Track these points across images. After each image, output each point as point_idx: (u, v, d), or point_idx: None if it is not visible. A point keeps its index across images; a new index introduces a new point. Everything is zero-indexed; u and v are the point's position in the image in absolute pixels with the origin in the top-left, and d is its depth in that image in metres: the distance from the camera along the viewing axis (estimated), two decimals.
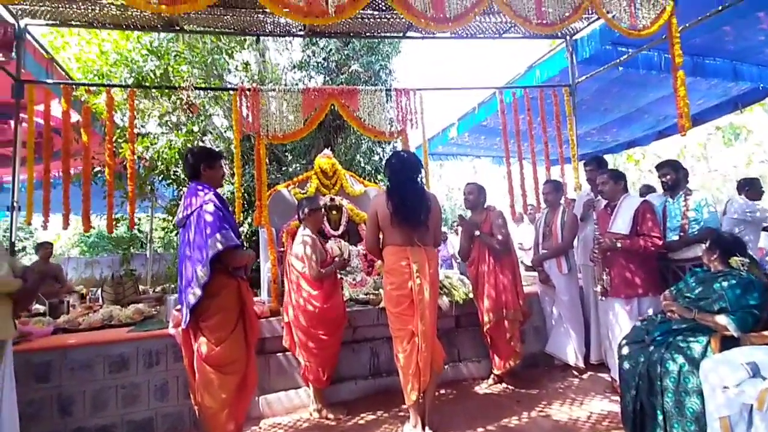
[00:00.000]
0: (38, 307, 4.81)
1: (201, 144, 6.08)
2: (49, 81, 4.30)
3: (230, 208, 2.86)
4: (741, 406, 2.11)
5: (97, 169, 5.40)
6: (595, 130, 7.05)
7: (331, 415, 3.31)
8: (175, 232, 7.58)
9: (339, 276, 4.29)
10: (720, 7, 3.61)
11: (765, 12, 4.00)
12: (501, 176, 6.10)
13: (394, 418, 3.25)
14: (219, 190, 2.85)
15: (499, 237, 3.66)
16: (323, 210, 3.50)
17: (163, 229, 8.33)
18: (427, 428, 2.94)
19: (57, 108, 4.21)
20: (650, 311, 3.15)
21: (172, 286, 6.04)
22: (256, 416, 3.41)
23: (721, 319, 2.52)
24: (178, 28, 4.43)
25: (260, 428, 3.27)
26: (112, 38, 6.25)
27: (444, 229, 9.64)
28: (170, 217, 6.95)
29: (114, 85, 5.00)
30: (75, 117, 4.44)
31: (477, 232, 3.76)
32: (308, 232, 3.38)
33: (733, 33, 4.43)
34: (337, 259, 3.47)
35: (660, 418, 2.51)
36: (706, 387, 2.30)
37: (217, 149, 4.19)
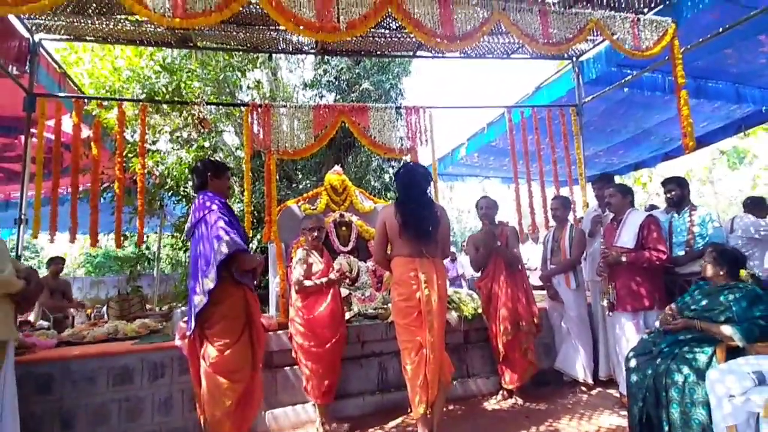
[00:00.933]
0: (42, 323, 4.83)
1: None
2: (61, 94, 4.36)
3: (238, 218, 2.87)
4: (748, 414, 2.12)
5: (106, 184, 5.45)
6: (602, 152, 7.13)
7: (334, 430, 3.26)
8: (184, 249, 7.62)
9: (345, 291, 4.33)
10: (721, 29, 3.72)
11: (766, 35, 4.09)
12: (509, 197, 6.15)
13: None
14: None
15: (516, 251, 3.70)
16: (317, 231, 3.53)
17: (172, 246, 8.37)
18: None
19: (68, 123, 4.27)
20: (656, 324, 3.14)
21: (180, 305, 6.04)
22: (263, 430, 3.38)
23: (727, 329, 2.53)
24: (191, 44, 4.54)
25: None
26: (126, 55, 6.42)
27: (453, 249, 9.65)
28: (179, 234, 6.99)
29: (126, 100, 5.08)
30: (86, 132, 4.49)
31: (498, 243, 3.79)
32: (302, 249, 3.50)
33: (735, 56, 4.54)
34: (332, 275, 3.46)
35: (666, 429, 2.51)
36: (712, 397, 2.31)
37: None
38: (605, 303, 3.46)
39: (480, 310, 3.98)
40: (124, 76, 6.23)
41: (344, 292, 4.35)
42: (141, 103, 4.59)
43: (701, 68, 4.73)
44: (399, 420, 3.41)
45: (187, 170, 6.00)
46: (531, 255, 6.13)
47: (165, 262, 11.52)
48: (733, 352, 2.48)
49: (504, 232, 3.83)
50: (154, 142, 6.19)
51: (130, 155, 5.47)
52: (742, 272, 2.79)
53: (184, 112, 5.80)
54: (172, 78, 5.80)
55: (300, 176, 7.48)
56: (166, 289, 9.42)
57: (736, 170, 12.65)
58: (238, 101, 6.75)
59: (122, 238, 4.25)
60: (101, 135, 4.36)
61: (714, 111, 5.78)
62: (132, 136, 5.99)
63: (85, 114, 4.34)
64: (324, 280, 3.39)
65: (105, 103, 5.28)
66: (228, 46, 4.81)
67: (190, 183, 6.14)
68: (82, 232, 4.37)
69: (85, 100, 4.53)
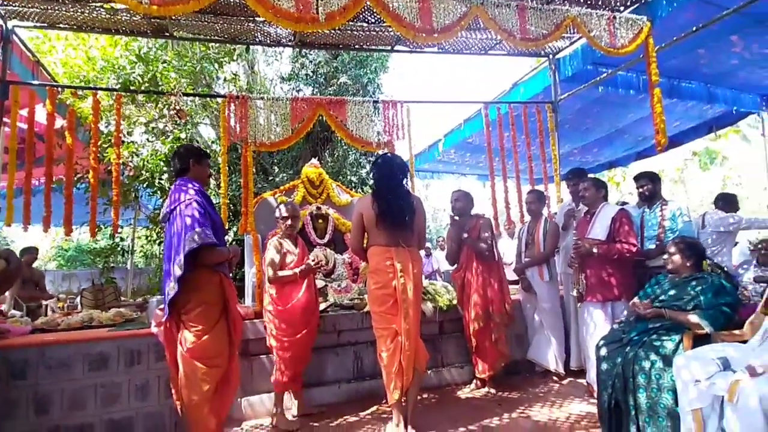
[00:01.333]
0: (15, 312, 4.70)
1: None
2: (35, 82, 4.25)
3: (215, 207, 2.86)
4: (712, 398, 2.17)
5: (80, 175, 5.34)
6: (577, 150, 7.25)
7: (282, 425, 3.23)
8: (159, 242, 7.49)
9: (321, 282, 4.32)
10: (695, 28, 3.80)
11: (738, 35, 4.20)
12: (485, 195, 6.22)
13: (376, 420, 3.25)
14: None
15: (489, 243, 3.74)
16: (291, 220, 3.47)
17: (147, 238, 8.20)
18: (409, 428, 2.94)
19: (41, 112, 4.16)
20: (624, 315, 3.23)
21: (156, 295, 5.92)
22: (238, 418, 3.38)
23: (694, 317, 2.62)
24: (167, 34, 4.44)
25: (242, 429, 3.26)
26: (100, 44, 6.27)
27: (428, 245, 9.72)
28: (153, 227, 6.86)
29: (101, 89, 4.98)
30: (60, 122, 4.37)
31: (465, 235, 3.83)
32: (276, 239, 3.45)
33: (708, 56, 4.65)
34: (308, 263, 3.41)
35: (633, 413, 2.58)
36: (679, 382, 2.37)
37: None
38: (575, 293, 3.54)
39: (455, 302, 4.02)
40: (99, 66, 6.09)
41: (320, 283, 4.35)
42: (116, 92, 4.51)
43: (675, 68, 4.84)
44: (374, 407, 3.44)
45: (162, 162, 5.89)
46: (506, 250, 6.20)
47: (139, 255, 11.29)
48: (699, 340, 2.56)
49: (477, 224, 3.87)
50: (129, 133, 6.04)
51: (104, 146, 5.35)
52: (705, 263, 2.91)
53: (160, 103, 5.69)
54: (147, 68, 5.69)
55: (276, 170, 7.43)
56: (140, 282, 9.24)
57: (707, 171, 13.10)
58: (215, 93, 6.67)
59: (96, 229, 4.17)
60: (75, 125, 4.26)
61: (686, 111, 5.92)
62: (107, 127, 5.86)
63: (58, 103, 4.24)
64: (299, 269, 3.35)
65: (79, 92, 5.16)
66: (205, 37, 4.73)
67: (166, 175, 6.04)
68: (56, 224, 4.25)
69: (59, 89, 4.41)
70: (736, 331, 2.54)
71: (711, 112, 6.08)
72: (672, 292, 2.87)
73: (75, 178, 4.60)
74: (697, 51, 4.54)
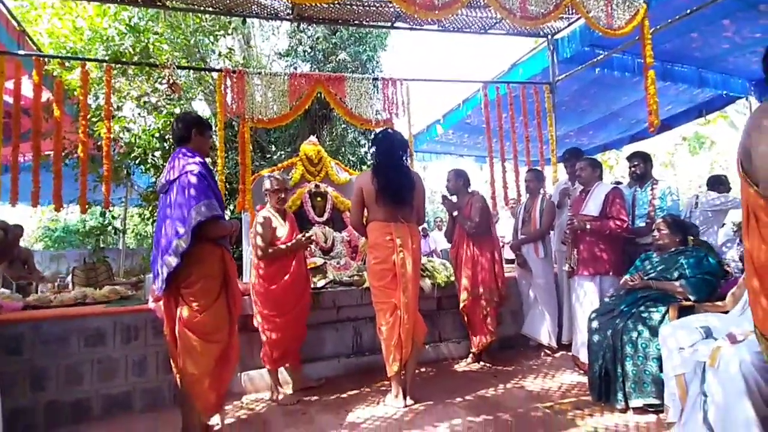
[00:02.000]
0: (4, 291, 4.63)
1: None
2: (21, 52, 4.08)
3: (216, 180, 2.78)
4: (695, 364, 2.31)
5: (68, 150, 5.10)
6: (573, 132, 7.33)
7: (280, 397, 3.25)
8: (152, 221, 7.41)
9: (320, 260, 4.36)
10: (689, 11, 3.86)
11: (730, 19, 4.26)
12: (483, 177, 6.26)
13: (376, 392, 3.33)
14: None
15: (476, 220, 3.79)
16: (283, 193, 3.35)
17: (139, 216, 8.05)
18: (408, 398, 3.03)
19: (27, 85, 4.01)
20: (612, 289, 3.38)
21: (150, 275, 5.81)
22: (238, 392, 3.41)
23: (677, 284, 2.81)
24: (159, 3, 4.24)
25: (242, 403, 3.27)
26: (87, 14, 6.04)
27: (425, 226, 9.79)
28: (147, 204, 6.76)
29: (90, 60, 4.77)
30: (46, 95, 4.25)
31: (455, 213, 3.90)
32: (264, 213, 3.31)
33: (700, 39, 4.71)
34: (296, 239, 3.29)
35: (620, 381, 2.73)
36: (664, 350, 2.52)
37: None
38: (566, 268, 3.64)
39: (453, 279, 4.11)
40: (86, 36, 5.87)
41: (320, 260, 4.39)
42: (106, 64, 4.38)
43: (668, 51, 4.90)
44: (373, 381, 3.51)
45: (155, 138, 5.78)
46: (505, 229, 6.27)
47: (131, 235, 11.15)
48: (684, 311, 2.70)
49: (470, 202, 3.92)
50: (119, 108, 5.85)
51: (94, 120, 5.19)
52: (690, 239, 3.09)
53: (152, 76, 5.53)
54: (138, 40, 5.49)
55: (274, 148, 7.38)
56: (133, 263, 9.12)
57: (696, 155, 13.38)
58: (211, 67, 6.53)
59: (87, 206, 4.10)
60: (63, 97, 4.14)
61: (678, 95, 6.00)
62: (95, 101, 5.69)
63: (45, 75, 4.09)
64: (290, 244, 3.27)
65: (67, 63, 4.99)
66: (199, 8, 4.57)
67: (159, 152, 5.93)
68: (45, 201, 4.15)
69: (46, 60, 4.27)
70: (719, 303, 2.68)
71: (701, 96, 6.17)
72: (660, 267, 3.02)
73: (63, 154, 4.45)
74: (690, 35, 4.60)
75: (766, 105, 1.65)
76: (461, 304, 3.82)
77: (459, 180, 4.01)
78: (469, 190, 4.02)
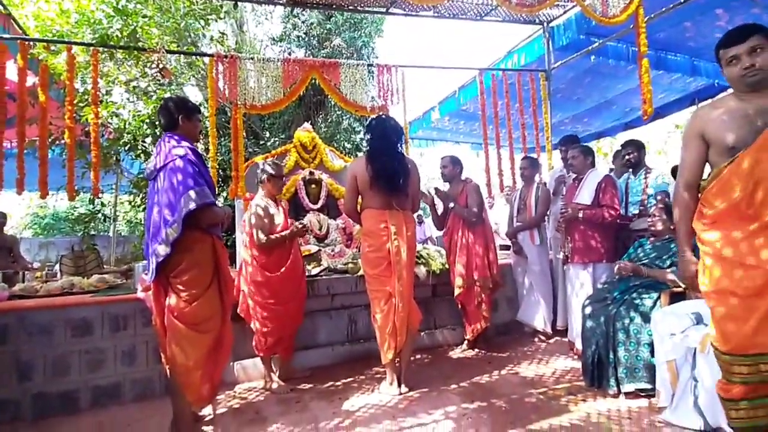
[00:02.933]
0: None
1: None
2: (6, 36, 3.96)
3: (206, 166, 2.70)
4: (686, 350, 2.36)
5: (54, 136, 4.97)
6: (568, 119, 7.35)
7: (275, 386, 3.24)
8: (143, 207, 7.31)
9: (314, 247, 4.35)
10: (682, 0, 3.85)
11: (723, 9, 4.26)
12: (479, 164, 6.24)
13: (371, 380, 3.34)
14: None
15: (474, 209, 3.80)
16: (282, 179, 3.31)
17: (130, 203, 7.91)
18: (402, 386, 3.05)
19: (12, 69, 3.90)
20: (605, 276, 3.41)
21: (140, 264, 5.74)
22: (231, 381, 3.39)
23: (670, 274, 2.82)
24: None
25: (235, 392, 3.26)
26: None
27: (420, 212, 9.79)
28: (137, 191, 6.67)
29: (76, 43, 4.61)
30: (32, 80, 4.12)
31: (452, 204, 3.89)
32: (260, 201, 3.26)
33: (693, 29, 4.72)
34: (293, 227, 3.26)
35: (613, 366, 2.78)
36: (655, 336, 2.56)
37: None
38: (561, 255, 3.66)
39: (447, 266, 4.12)
40: (73, 19, 5.72)
41: (314, 248, 4.38)
42: (93, 47, 4.28)
43: (662, 40, 4.91)
44: (367, 368, 3.53)
45: (145, 124, 5.68)
46: (500, 216, 6.25)
47: (122, 222, 11.01)
48: (675, 298, 2.74)
49: (465, 190, 3.92)
50: (107, 93, 5.73)
51: (81, 105, 5.07)
52: None
53: (141, 60, 5.40)
54: (126, 23, 5.35)
55: (268, 134, 7.29)
56: (125, 250, 9.00)
57: None
58: (202, 52, 6.41)
59: (75, 193, 4.02)
60: (49, 82, 4.03)
61: (671, 84, 6.03)
62: (83, 86, 5.56)
63: (30, 59, 3.99)
64: (286, 233, 3.23)
65: (53, 47, 4.87)
66: None
67: (149, 139, 5.84)
68: (31, 187, 4.05)
69: (32, 44, 4.15)
70: None
71: (694, 85, 6.20)
72: (653, 254, 3.04)
73: (50, 139, 4.35)
74: (683, 24, 4.61)
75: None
76: (456, 292, 3.84)
77: (456, 167, 4.01)
78: (462, 178, 4.01)
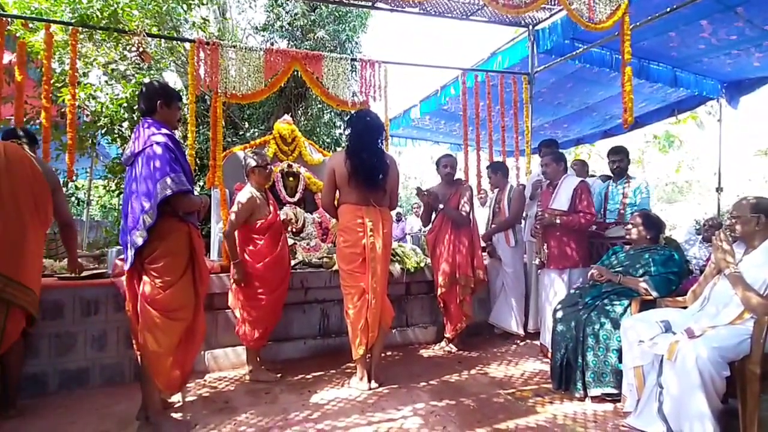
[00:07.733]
0: None
1: None
2: None
3: (185, 153, 2.68)
4: (653, 357, 2.39)
5: (30, 115, 4.90)
6: (548, 124, 7.39)
7: (262, 377, 3.23)
8: (118, 192, 7.14)
9: (290, 240, 4.29)
10: (669, 9, 3.89)
11: (708, 20, 4.32)
12: (458, 165, 6.22)
13: (341, 374, 3.34)
14: None
15: (465, 212, 3.81)
16: (269, 168, 3.29)
17: (105, 188, 7.71)
18: (372, 381, 3.04)
19: None
20: (580, 281, 3.44)
21: (114, 249, 5.63)
22: (201, 370, 3.39)
23: (643, 283, 2.87)
24: None
25: (205, 381, 3.25)
26: None
27: (400, 210, 9.78)
28: (113, 176, 6.51)
29: (55, 21, 4.47)
30: (8, 57, 4.02)
31: (441, 206, 3.87)
32: (248, 192, 3.20)
33: (677, 39, 4.78)
34: (282, 216, 3.29)
35: (580, 370, 2.81)
36: (624, 342, 2.59)
37: None
38: (537, 261, 3.69)
39: (422, 264, 4.11)
40: None
41: (289, 241, 4.32)
42: (72, 27, 4.16)
43: (646, 49, 4.96)
44: (338, 363, 3.52)
45: (123, 109, 5.54)
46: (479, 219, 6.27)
47: (96, 206, 10.75)
48: (645, 305, 2.77)
49: (459, 191, 3.91)
50: (85, 74, 5.59)
51: (58, 85, 4.94)
52: (661, 237, 3.14)
53: (121, 42, 5.25)
54: (106, 3, 5.21)
55: (247, 125, 7.15)
56: (98, 235, 8.80)
57: (665, 154, 13.79)
58: (183, 37, 6.26)
59: None
60: (26, 60, 3.93)
61: (652, 93, 6.11)
62: (60, 66, 5.40)
63: (7, 35, 3.89)
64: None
65: (31, 24, 4.71)
66: None
67: (127, 123, 5.69)
68: None
69: (9, 20, 4.02)
70: (679, 298, 2.76)
71: (675, 96, 6.29)
72: (627, 262, 3.08)
73: (25, 119, 4.25)
74: (668, 33, 4.66)
75: None
76: (439, 291, 3.83)
77: (455, 168, 4.02)
78: (455, 178, 4.02)
